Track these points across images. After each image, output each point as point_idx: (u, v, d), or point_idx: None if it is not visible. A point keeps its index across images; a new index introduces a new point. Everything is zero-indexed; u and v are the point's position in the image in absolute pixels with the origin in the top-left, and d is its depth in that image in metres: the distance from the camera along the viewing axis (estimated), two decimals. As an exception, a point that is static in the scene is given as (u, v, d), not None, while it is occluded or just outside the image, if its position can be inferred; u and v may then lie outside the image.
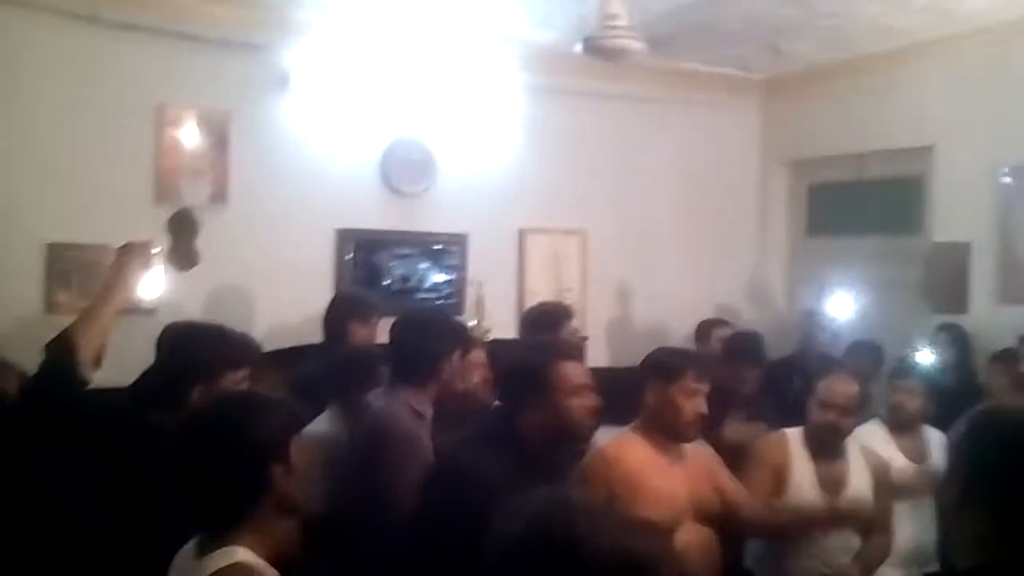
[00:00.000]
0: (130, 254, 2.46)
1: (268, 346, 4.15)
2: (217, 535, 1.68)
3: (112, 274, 2.45)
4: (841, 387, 3.10)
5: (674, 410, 2.75)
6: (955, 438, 1.58)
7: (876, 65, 5.47)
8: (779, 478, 3.10)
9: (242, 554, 1.65)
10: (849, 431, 3.15)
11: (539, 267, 5.73)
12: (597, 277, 5.87)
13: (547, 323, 4.03)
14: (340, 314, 4.03)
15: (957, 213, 5.10)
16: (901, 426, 3.54)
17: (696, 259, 6.12)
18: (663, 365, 2.82)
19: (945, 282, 5.06)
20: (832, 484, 3.10)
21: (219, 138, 4.83)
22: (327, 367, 3.52)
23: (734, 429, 3.71)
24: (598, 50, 4.02)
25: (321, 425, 3.12)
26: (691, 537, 2.67)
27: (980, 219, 4.94)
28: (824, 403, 3.10)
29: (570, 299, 5.34)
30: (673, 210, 6.12)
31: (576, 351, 2.99)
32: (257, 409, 1.78)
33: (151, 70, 4.64)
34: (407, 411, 2.88)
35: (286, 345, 4.24)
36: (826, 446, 3.13)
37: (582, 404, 2.47)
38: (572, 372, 2.50)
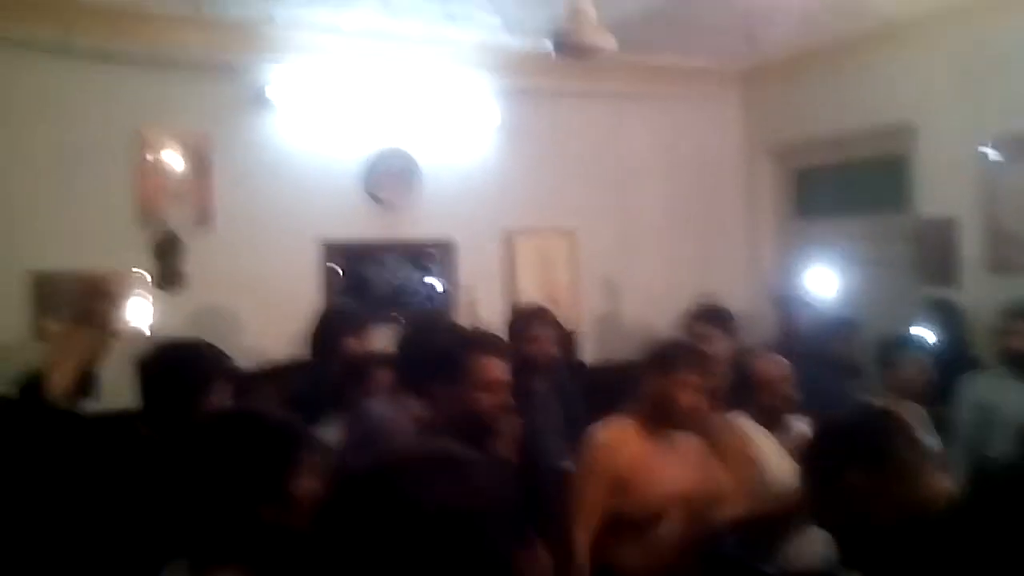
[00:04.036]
0: (107, 286, 2.43)
1: (258, 363, 4.17)
2: (204, 565, 1.59)
3: (88, 305, 2.42)
4: (773, 366, 3.26)
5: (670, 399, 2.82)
6: None
7: (853, 48, 5.46)
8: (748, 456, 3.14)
9: None
10: (790, 404, 3.21)
11: (528, 269, 5.72)
12: (586, 275, 5.85)
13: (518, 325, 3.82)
14: (332, 330, 3.81)
15: (942, 188, 5.08)
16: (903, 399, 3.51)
17: (683, 250, 6.12)
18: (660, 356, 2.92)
19: (934, 256, 5.05)
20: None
21: (200, 160, 4.83)
22: (323, 378, 3.48)
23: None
24: (569, 48, 4.02)
25: (330, 433, 2.95)
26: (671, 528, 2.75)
27: (965, 193, 4.92)
28: (761, 383, 3.22)
29: (559, 299, 5.37)
30: (659, 204, 6.12)
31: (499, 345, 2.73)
32: (251, 440, 1.69)
33: (128, 96, 4.65)
34: (410, 420, 2.70)
35: (276, 361, 4.23)
36: (773, 421, 3.20)
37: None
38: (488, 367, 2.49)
